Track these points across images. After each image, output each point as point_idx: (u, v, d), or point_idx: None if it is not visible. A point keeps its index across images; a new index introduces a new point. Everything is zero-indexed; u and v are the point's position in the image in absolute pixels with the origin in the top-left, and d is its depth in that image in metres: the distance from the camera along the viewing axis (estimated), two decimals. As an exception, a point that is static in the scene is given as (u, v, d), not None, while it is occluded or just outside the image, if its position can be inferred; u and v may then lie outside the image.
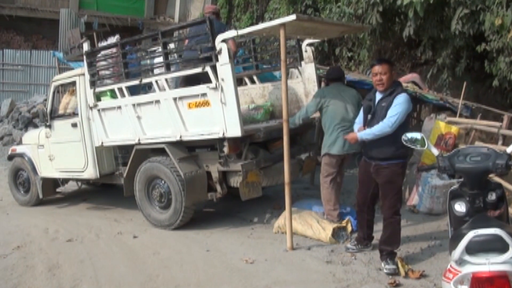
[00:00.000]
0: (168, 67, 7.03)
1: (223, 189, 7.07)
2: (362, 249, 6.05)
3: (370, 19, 11.08)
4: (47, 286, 5.41)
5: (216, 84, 6.40)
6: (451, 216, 3.70)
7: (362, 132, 5.54)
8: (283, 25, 5.96)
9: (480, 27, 9.40)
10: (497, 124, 7.76)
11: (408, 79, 11.51)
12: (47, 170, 9.08)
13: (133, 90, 7.68)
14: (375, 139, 5.36)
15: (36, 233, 7.30)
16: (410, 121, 5.71)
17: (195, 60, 6.99)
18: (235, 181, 6.90)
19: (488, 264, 3.07)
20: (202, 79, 6.80)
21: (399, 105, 5.24)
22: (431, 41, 11.21)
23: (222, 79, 6.34)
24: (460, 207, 3.61)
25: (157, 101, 7.16)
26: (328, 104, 6.75)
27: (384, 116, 5.31)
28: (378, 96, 5.52)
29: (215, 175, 7.04)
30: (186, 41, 7.84)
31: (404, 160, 5.50)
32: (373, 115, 5.49)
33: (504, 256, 3.08)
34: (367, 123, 5.56)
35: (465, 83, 9.31)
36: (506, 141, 7.32)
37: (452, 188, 3.78)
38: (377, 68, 5.40)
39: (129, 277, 5.55)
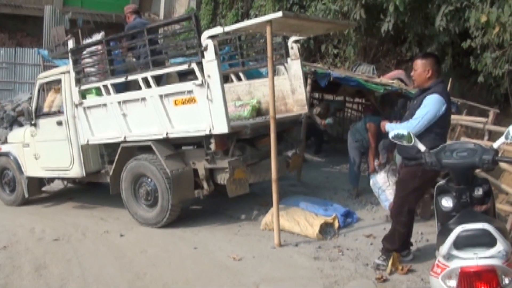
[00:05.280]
0: (154, 64, 7.00)
1: (210, 186, 7.05)
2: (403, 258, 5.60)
3: (354, 14, 11.12)
4: (35, 286, 5.36)
5: (202, 81, 6.37)
6: (438, 211, 3.72)
7: (388, 124, 5.28)
8: (269, 22, 5.96)
9: (465, 24, 9.46)
10: (483, 120, 7.83)
11: (393, 75, 11.58)
12: (32, 169, 9.00)
13: (119, 87, 7.63)
14: None
15: (22, 233, 7.23)
16: (448, 122, 5.38)
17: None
18: (222, 178, 6.88)
19: (476, 259, 3.09)
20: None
21: (424, 107, 4.97)
22: (417, 38, 11.27)
23: (209, 76, 6.32)
24: (447, 202, 3.63)
25: (143, 99, 7.13)
26: None
27: (413, 114, 5.09)
28: (418, 93, 5.31)
29: (202, 172, 7.01)
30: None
31: None
32: (406, 111, 5.27)
33: (492, 251, 3.10)
34: (402, 118, 5.35)
35: (450, 80, 9.38)
36: (492, 136, 7.36)
37: (439, 183, 3.80)
38: (414, 63, 5.20)
39: (117, 276, 5.52)
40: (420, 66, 5.08)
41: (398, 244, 5.41)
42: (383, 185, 7.63)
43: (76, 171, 8.25)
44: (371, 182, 7.80)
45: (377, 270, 5.29)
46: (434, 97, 4.95)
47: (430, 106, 4.94)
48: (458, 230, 3.19)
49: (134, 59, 8.07)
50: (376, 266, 5.34)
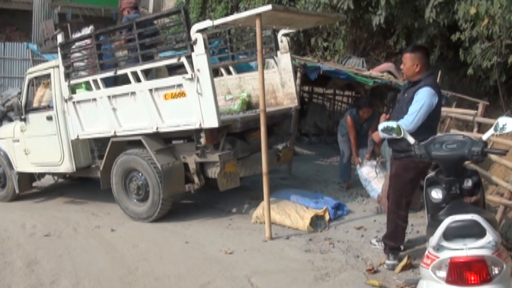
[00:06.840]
0: (143, 58, 6.98)
1: (200, 180, 7.05)
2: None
3: (342, 4, 11.11)
4: (26, 282, 5.34)
5: (192, 75, 6.36)
6: (428, 203, 3.74)
7: (383, 123, 4.68)
8: (259, 15, 5.96)
9: (453, 16, 9.48)
10: (472, 112, 7.85)
11: (383, 68, 11.61)
12: (23, 164, 8.96)
13: (109, 82, 7.60)
14: None
15: (14, 229, 7.21)
16: (438, 114, 5.30)
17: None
18: (213, 172, 6.89)
19: (465, 249, 3.11)
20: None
21: (418, 102, 4.88)
22: (405, 31, 11.29)
23: (198, 70, 6.31)
24: (436, 194, 3.66)
25: (133, 93, 7.10)
26: None
27: (405, 109, 5.01)
28: (407, 85, 5.22)
29: (192, 166, 7.02)
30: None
31: None
32: (394, 106, 5.23)
33: (481, 241, 3.12)
34: (389, 113, 5.33)
35: (440, 72, 9.41)
36: (481, 128, 7.39)
37: (428, 175, 3.82)
38: (403, 56, 5.16)
39: (108, 271, 5.52)
40: (409, 60, 5.04)
41: (402, 240, 5.39)
42: (368, 176, 7.71)
43: (67, 166, 8.22)
44: (359, 175, 7.90)
45: (387, 269, 5.23)
46: (426, 90, 4.90)
47: (424, 99, 4.88)
48: (447, 221, 3.21)
49: (127, 52, 8.02)
50: (391, 268, 5.21)
